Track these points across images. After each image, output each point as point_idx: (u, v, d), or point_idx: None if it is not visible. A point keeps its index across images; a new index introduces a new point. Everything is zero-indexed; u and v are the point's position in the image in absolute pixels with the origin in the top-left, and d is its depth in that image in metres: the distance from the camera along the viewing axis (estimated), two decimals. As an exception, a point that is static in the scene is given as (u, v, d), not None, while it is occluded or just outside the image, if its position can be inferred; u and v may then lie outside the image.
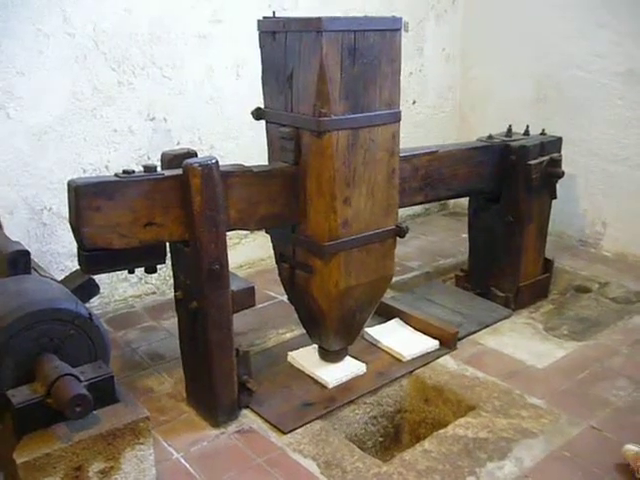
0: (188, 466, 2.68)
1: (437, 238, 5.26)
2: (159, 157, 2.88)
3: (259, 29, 2.89)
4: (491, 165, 3.74)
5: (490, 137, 3.86)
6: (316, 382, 3.20)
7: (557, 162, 3.82)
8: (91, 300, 3.34)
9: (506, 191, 3.81)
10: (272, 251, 3.24)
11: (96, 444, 2.00)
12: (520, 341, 3.59)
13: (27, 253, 2.35)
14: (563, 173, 3.84)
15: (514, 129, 3.94)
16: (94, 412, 2.03)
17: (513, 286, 3.92)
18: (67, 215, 2.59)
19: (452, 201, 5.83)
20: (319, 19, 2.55)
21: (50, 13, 3.51)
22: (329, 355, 3.25)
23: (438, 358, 3.39)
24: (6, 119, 3.48)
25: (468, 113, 5.77)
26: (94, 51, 3.70)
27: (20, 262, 2.32)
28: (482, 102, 5.60)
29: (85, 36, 3.65)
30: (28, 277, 2.34)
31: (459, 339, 3.54)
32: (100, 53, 3.72)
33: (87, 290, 2.56)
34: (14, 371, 2.07)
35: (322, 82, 2.61)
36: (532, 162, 3.71)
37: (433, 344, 3.47)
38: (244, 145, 4.27)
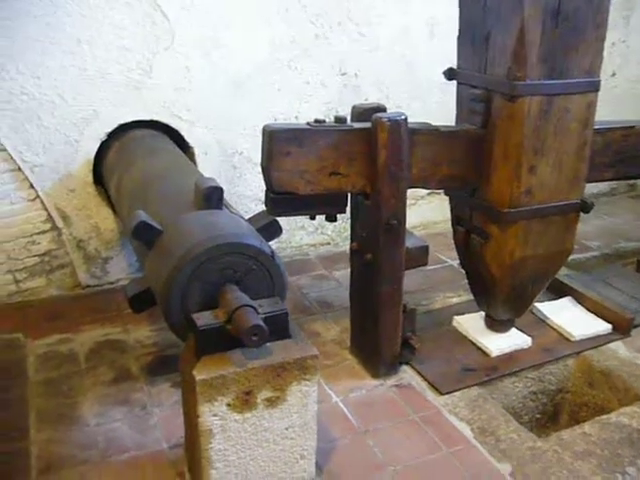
0: (346, 410, 2.80)
1: (621, 220, 4.99)
2: (346, 112, 2.95)
3: (460, -13, 2.85)
4: (694, 146, 3.47)
5: (696, 117, 3.58)
6: (479, 349, 3.19)
7: None
8: (270, 242, 3.51)
9: None
10: (447, 215, 3.24)
11: (266, 373, 2.11)
12: (703, 337, 3.36)
13: (221, 189, 2.49)
14: None
15: None
16: (267, 344, 2.14)
17: (702, 278, 3.67)
18: (256, 160, 2.73)
19: (642, 182, 5.49)
20: (524, -22, 2.47)
21: (256, -35, 3.67)
22: (495, 324, 3.22)
23: (609, 343, 3.26)
24: (211, 65, 3.70)
25: (674, 91, 5.35)
26: (296, 4, 3.82)
27: (214, 197, 2.46)
28: (691, 80, 5.17)
29: (288, -11, 3.79)
30: (220, 212, 2.48)
31: (634, 326, 3.37)
32: (301, 6, 3.84)
33: (270, 231, 2.67)
34: (200, 297, 2.23)
35: (520, 44, 2.54)
36: None
37: (605, 328, 3.34)
38: (431, 106, 4.24)
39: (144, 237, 2.42)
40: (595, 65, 2.74)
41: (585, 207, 2.95)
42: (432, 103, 4.28)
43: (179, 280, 2.19)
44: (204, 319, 2.12)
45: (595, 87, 2.77)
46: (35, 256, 3.62)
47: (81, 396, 2.86)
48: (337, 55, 4.04)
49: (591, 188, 4.72)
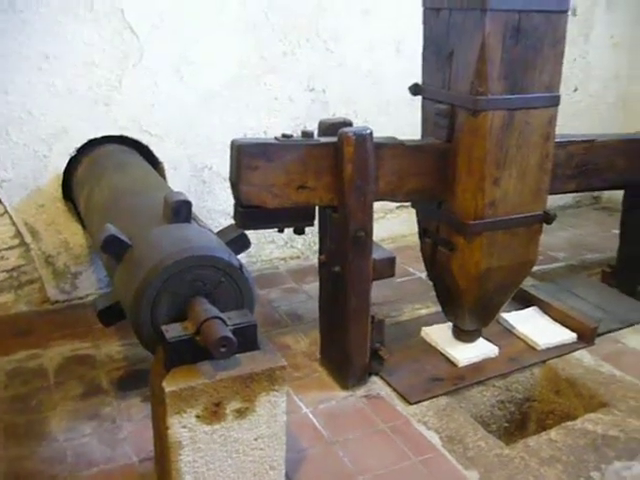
0: (315, 421, 2.82)
1: (586, 232, 5.09)
2: (315, 127, 2.99)
3: (424, 5, 2.91)
4: (653, 159, 3.57)
5: (655, 130, 3.68)
6: (447, 359, 3.23)
7: None
8: (239, 256, 3.53)
9: (667, 188, 3.63)
10: (415, 228, 3.28)
11: (235, 384, 2.12)
12: (665, 345, 3.44)
13: (189, 203, 2.50)
14: None
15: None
16: (236, 355, 2.15)
17: (664, 288, 3.75)
18: (225, 175, 2.75)
19: (605, 195, 5.60)
20: (485, -2, 2.54)
21: (225, -18, 3.72)
22: (463, 334, 3.27)
23: (574, 351, 3.32)
24: (180, 82, 3.73)
25: (634, 105, 5.47)
26: (264, 21, 3.87)
27: (183, 211, 2.47)
28: (651, 94, 5.30)
29: (256, 6, 3.83)
30: (189, 225, 2.49)
31: (598, 335, 3.43)
32: (269, 24, 3.89)
33: (239, 244, 2.68)
34: (169, 309, 2.23)
35: (482, 61, 2.61)
36: (700, 159, 3.50)
37: (570, 336, 3.40)
38: (398, 121, 4.28)
39: (113, 251, 2.42)
40: (554, 80, 2.81)
41: (548, 218, 3.01)
42: (399, 118, 4.33)
43: (148, 292, 2.19)
44: (173, 331, 2.12)
45: (555, 102, 2.85)
46: (3, 272, 3.60)
47: (50, 411, 2.85)
48: (305, 71, 4.09)
49: (557, 200, 4.84)
